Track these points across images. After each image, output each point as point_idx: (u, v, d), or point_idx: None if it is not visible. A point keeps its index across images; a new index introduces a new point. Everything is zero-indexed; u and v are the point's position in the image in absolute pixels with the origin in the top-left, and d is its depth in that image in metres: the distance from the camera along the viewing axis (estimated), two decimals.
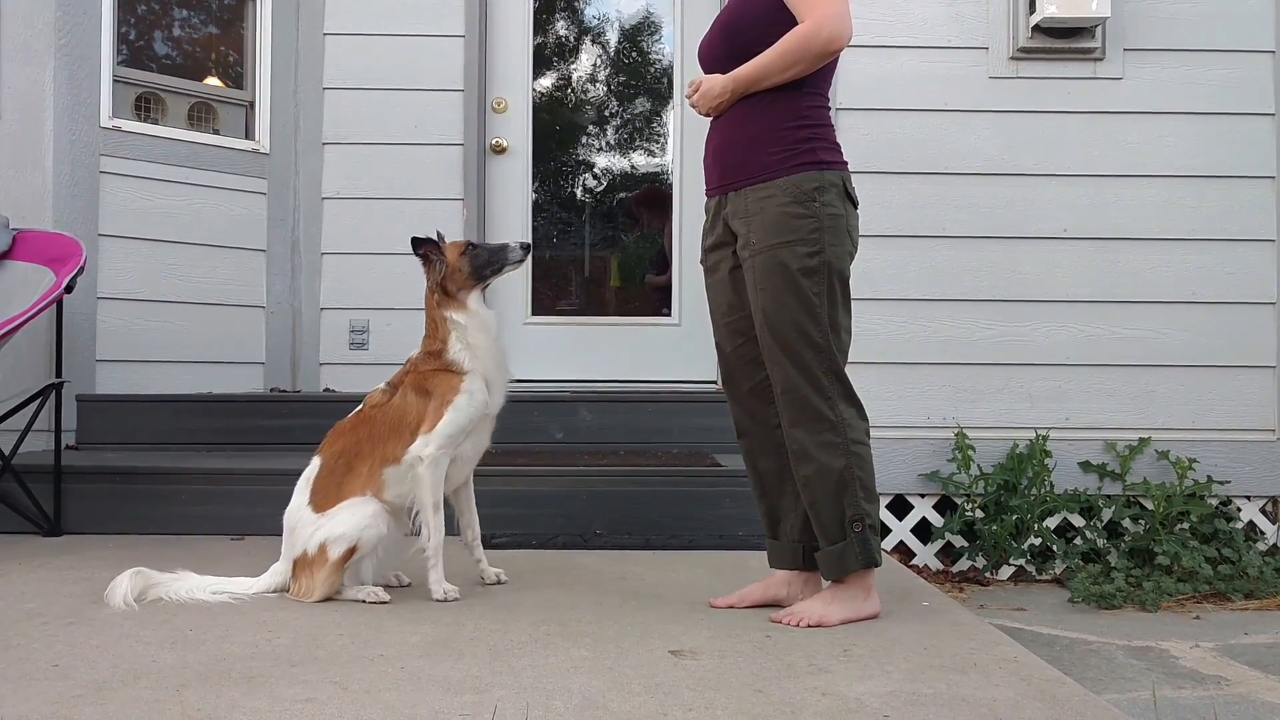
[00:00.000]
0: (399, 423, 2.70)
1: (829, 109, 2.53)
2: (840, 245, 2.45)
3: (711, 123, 2.61)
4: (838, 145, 2.52)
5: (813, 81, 2.46)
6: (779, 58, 2.40)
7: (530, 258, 4.98)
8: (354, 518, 2.62)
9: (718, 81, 2.52)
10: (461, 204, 4.93)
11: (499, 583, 2.86)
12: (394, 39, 4.95)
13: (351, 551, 2.61)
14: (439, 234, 2.85)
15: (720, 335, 2.65)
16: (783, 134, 2.46)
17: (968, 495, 3.80)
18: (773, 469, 2.60)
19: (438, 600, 2.66)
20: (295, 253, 4.96)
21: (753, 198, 2.49)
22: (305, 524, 2.67)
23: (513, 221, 5.08)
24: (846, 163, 2.52)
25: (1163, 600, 3.47)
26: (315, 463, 2.75)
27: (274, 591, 2.70)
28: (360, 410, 2.79)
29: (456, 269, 2.75)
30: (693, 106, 2.62)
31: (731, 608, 2.60)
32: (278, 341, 4.93)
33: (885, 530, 3.88)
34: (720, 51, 2.56)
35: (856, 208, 2.52)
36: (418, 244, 2.78)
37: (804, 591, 2.59)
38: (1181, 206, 3.88)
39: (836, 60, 2.49)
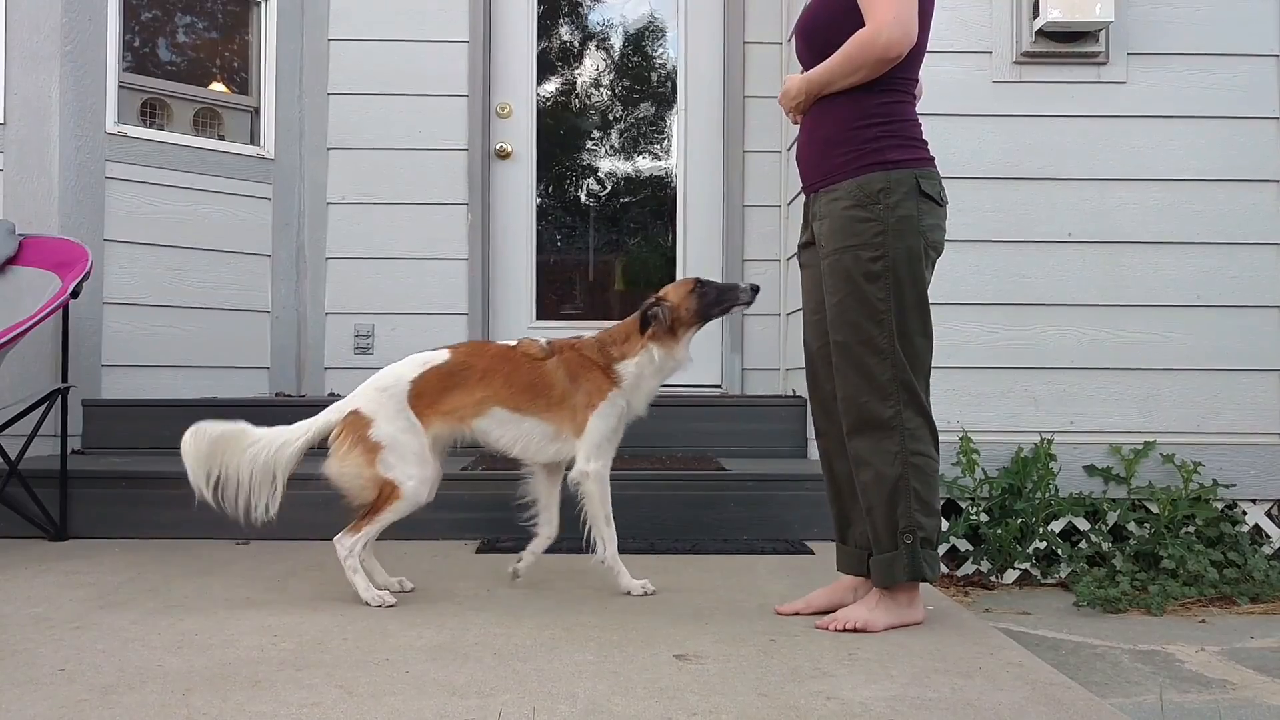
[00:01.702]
0: (537, 386, 2.70)
1: (910, 103, 2.49)
2: (908, 247, 2.40)
3: (801, 121, 2.62)
4: (915, 141, 2.47)
5: (890, 79, 2.42)
6: (842, 63, 2.40)
7: (537, 262, 5.07)
8: (413, 458, 2.63)
9: (795, 83, 2.53)
10: (465, 209, 4.95)
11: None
12: (398, 45, 4.97)
13: (392, 485, 2.61)
14: (659, 294, 2.78)
15: (807, 333, 2.65)
16: (851, 134, 2.44)
17: (972, 499, 3.80)
18: (848, 473, 2.56)
19: (637, 596, 2.73)
20: (300, 258, 4.98)
21: (825, 200, 2.49)
22: (394, 398, 2.66)
23: (517, 226, 5.10)
24: (928, 158, 2.47)
25: (1168, 604, 3.46)
26: (444, 355, 2.74)
27: (314, 439, 2.70)
28: (512, 346, 2.77)
29: (682, 308, 2.72)
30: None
31: (798, 614, 2.58)
32: (283, 346, 4.95)
33: None
34: (805, 55, 2.58)
35: (942, 204, 2.47)
36: (645, 314, 2.71)
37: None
38: (1185, 210, 3.87)
39: (920, 54, 2.46)
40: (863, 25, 2.37)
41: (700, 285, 2.74)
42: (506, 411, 2.70)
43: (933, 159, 2.48)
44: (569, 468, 2.74)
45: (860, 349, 2.41)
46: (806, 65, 2.57)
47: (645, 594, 2.73)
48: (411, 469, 2.63)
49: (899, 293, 2.40)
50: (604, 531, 2.72)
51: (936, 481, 2.46)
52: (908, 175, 2.41)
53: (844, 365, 2.45)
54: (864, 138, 2.43)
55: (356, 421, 2.66)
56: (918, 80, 2.52)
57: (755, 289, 2.76)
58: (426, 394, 2.69)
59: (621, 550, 3.30)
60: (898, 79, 2.44)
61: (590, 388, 2.69)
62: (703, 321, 2.75)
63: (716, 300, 2.73)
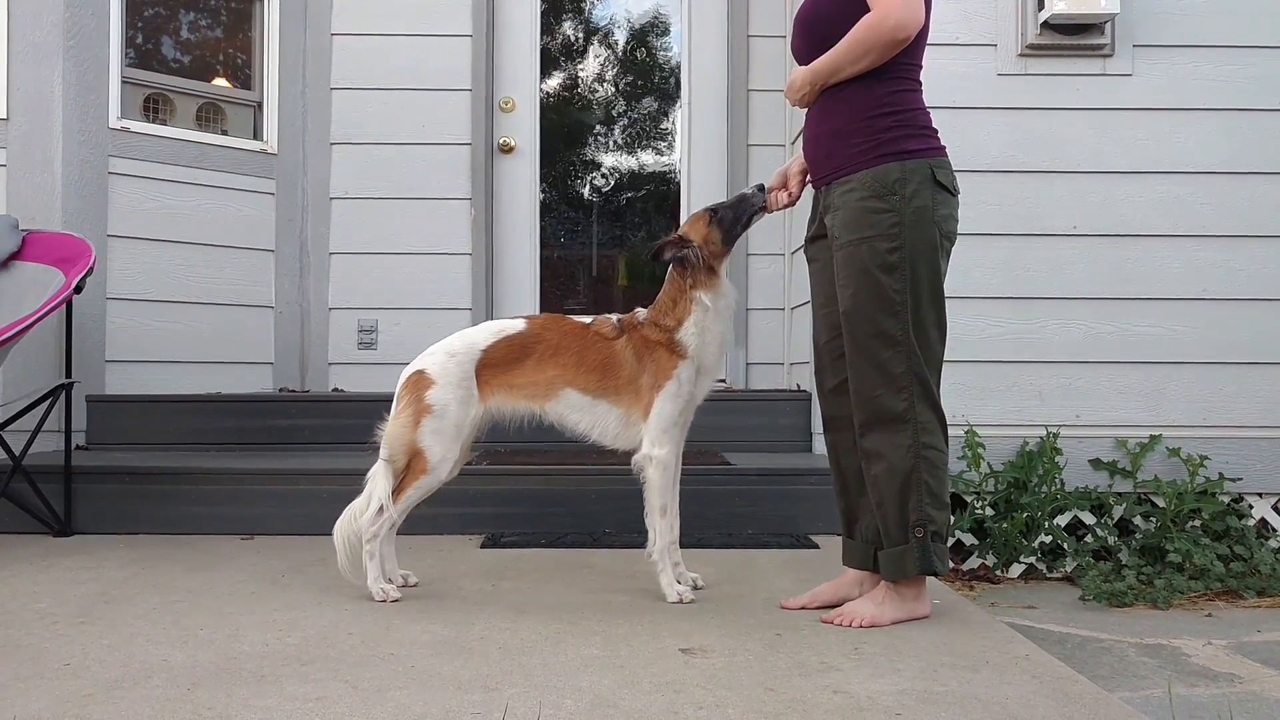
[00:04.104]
0: (607, 366, 2.64)
1: (918, 91, 2.48)
2: (924, 238, 2.38)
3: (806, 114, 2.61)
4: (927, 130, 2.45)
5: (897, 67, 2.41)
6: (850, 49, 2.38)
7: (540, 257, 5.07)
8: (451, 432, 2.62)
9: (799, 75, 2.51)
10: (469, 203, 4.94)
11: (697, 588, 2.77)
12: (401, 39, 4.96)
13: (422, 457, 2.61)
14: (678, 234, 2.68)
15: (816, 328, 2.64)
16: (863, 125, 2.42)
17: (978, 493, 3.79)
18: (855, 468, 2.56)
19: (672, 602, 2.61)
20: (303, 253, 4.98)
21: (838, 192, 2.47)
22: (461, 364, 2.64)
23: (520, 221, 5.09)
24: (940, 147, 2.45)
25: (1174, 598, 3.45)
26: (520, 325, 2.70)
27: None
28: (587, 324, 2.72)
29: (709, 241, 2.62)
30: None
31: (804, 608, 2.57)
32: (286, 341, 4.94)
33: None
34: (803, 47, 2.56)
35: (955, 194, 2.45)
36: (661, 252, 2.63)
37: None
38: (1191, 203, 3.85)
39: (924, 40, 2.45)
40: (865, 13, 2.36)
41: (714, 213, 2.65)
42: (578, 394, 2.65)
43: (944, 148, 2.46)
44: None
45: (874, 342, 2.40)
46: (801, 57, 2.55)
47: (681, 601, 2.61)
48: (445, 445, 2.62)
49: (915, 284, 2.38)
50: (658, 523, 2.62)
51: (947, 475, 2.45)
52: (922, 165, 2.39)
53: (857, 358, 2.44)
54: (877, 128, 2.41)
55: (420, 381, 2.63)
56: (922, 67, 2.51)
57: (761, 186, 2.67)
58: (496, 364, 2.66)
59: (624, 544, 3.31)
60: (905, 66, 2.43)
61: (655, 368, 2.61)
62: (730, 245, 2.65)
63: (735, 219, 2.64)
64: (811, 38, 2.51)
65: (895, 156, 2.39)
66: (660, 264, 2.67)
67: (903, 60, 2.41)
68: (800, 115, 2.69)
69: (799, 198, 2.71)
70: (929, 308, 2.41)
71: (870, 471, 2.45)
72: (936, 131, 2.47)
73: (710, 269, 2.62)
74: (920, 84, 2.49)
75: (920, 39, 2.43)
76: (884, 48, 2.35)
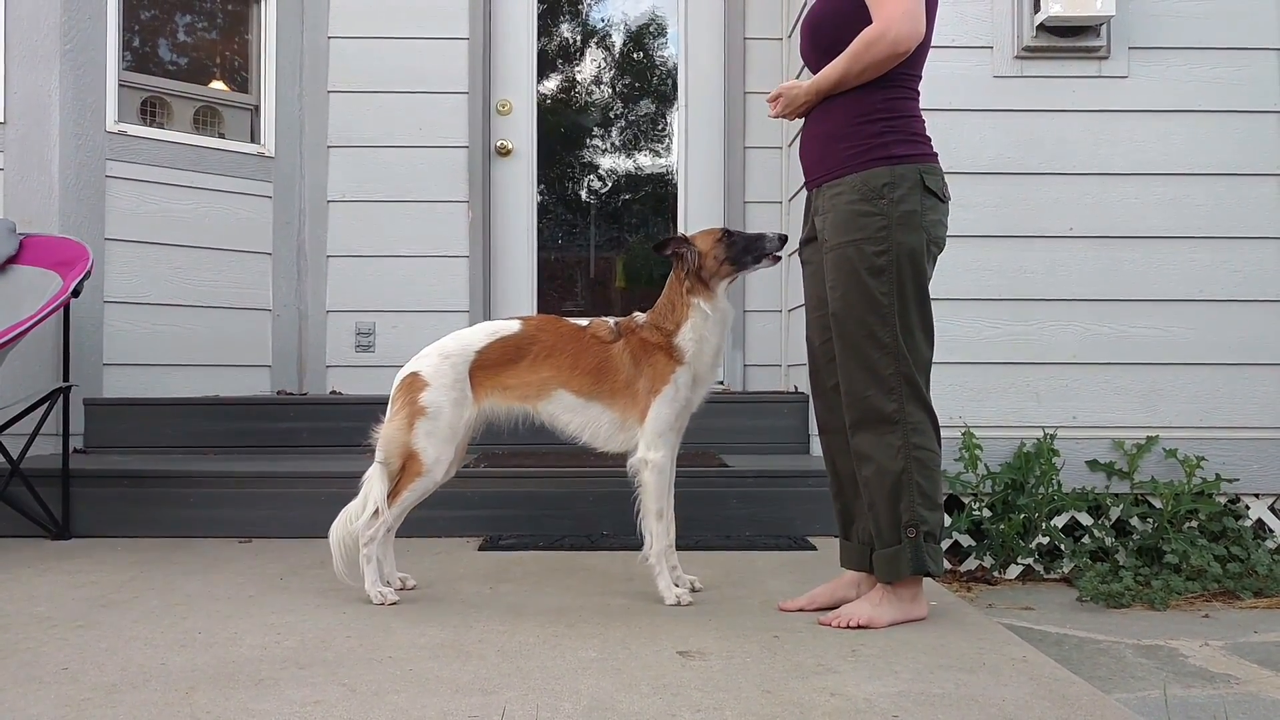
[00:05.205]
0: (603, 370, 2.64)
1: (914, 98, 2.48)
2: (911, 242, 2.39)
3: (805, 116, 2.62)
4: (918, 137, 2.46)
5: (895, 75, 2.42)
6: (851, 61, 2.39)
7: (538, 259, 5.07)
8: (446, 433, 2.62)
9: (800, 92, 2.51)
10: (466, 206, 4.94)
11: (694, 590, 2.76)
12: (398, 42, 4.97)
13: (417, 459, 2.61)
14: (686, 235, 2.70)
15: (810, 330, 2.65)
16: (855, 129, 2.43)
17: (975, 494, 3.79)
18: (850, 469, 2.56)
19: (670, 605, 2.61)
20: (301, 256, 4.98)
21: (828, 194, 2.48)
22: (455, 366, 2.64)
23: (518, 223, 5.09)
24: (931, 154, 2.46)
25: (1171, 599, 3.46)
26: (515, 326, 2.71)
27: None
28: (583, 326, 2.71)
29: (710, 255, 2.63)
30: (776, 113, 2.60)
31: (801, 610, 2.57)
32: (284, 344, 4.94)
33: None
34: (810, 51, 2.57)
35: (945, 200, 2.46)
36: (662, 246, 2.66)
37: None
38: (1188, 205, 3.86)
39: (925, 50, 2.46)
40: (870, 21, 2.36)
41: (728, 234, 2.65)
42: (571, 395, 2.65)
43: (936, 155, 2.47)
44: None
45: (863, 343, 2.41)
46: (810, 62, 2.56)
47: (680, 604, 2.61)
48: (440, 446, 2.62)
49: (901, 287, 2.40)
50: (653, 526, 2.62)
51: (939, 475, 2.46)
52: (912, 170, 2.40)
53: (847, 360, 2.45)
54: (868, 133, 2.42)
55: (414, 383, 2.64)
56: (921, 77, 2.51)
57: (783, 238, 2.67)
58: (490, 365, 2.66)
59: (622, 546, 3.32)
60: (902, 74, 2.43)
61: (653, 372, 2.61)
62: (735, 270, 2.64)
63: (745, 249, 2.63)
64: (818, 43, 2.52)
65: (885, 161, 2.40)
66: (660, 257, 2.68)
67: (902, 70, 2.42)
68: (797, 120, 2.69)
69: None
70: (915, 310, 2.43)
71: (862, 473, 2.46)
72: (929, 139, 2.49)
73: (704, 283, 2.63)
74: (918, 93, 2.50)
75: (922, 49, 2.44)
76: (883, 61, 2.37)
